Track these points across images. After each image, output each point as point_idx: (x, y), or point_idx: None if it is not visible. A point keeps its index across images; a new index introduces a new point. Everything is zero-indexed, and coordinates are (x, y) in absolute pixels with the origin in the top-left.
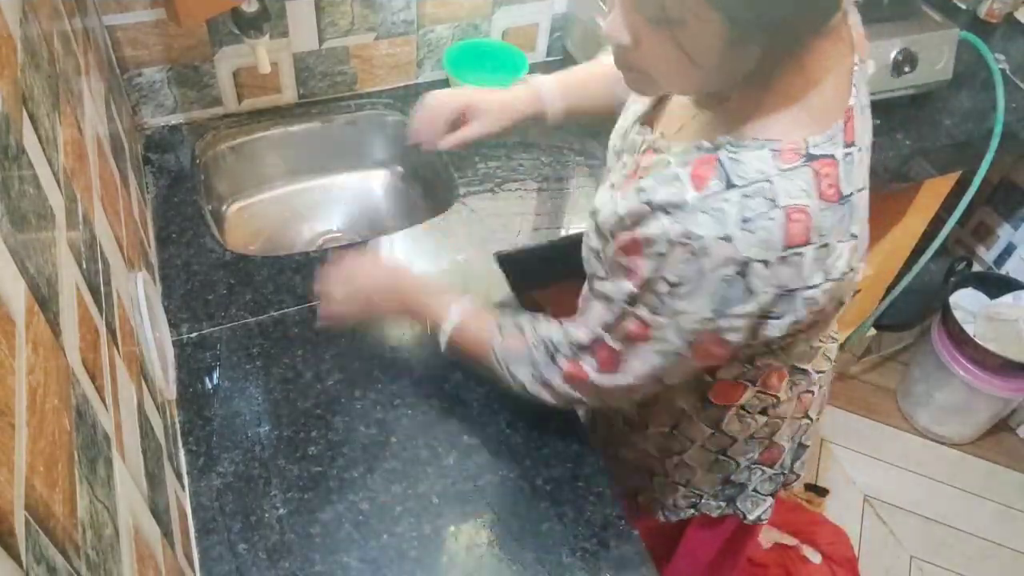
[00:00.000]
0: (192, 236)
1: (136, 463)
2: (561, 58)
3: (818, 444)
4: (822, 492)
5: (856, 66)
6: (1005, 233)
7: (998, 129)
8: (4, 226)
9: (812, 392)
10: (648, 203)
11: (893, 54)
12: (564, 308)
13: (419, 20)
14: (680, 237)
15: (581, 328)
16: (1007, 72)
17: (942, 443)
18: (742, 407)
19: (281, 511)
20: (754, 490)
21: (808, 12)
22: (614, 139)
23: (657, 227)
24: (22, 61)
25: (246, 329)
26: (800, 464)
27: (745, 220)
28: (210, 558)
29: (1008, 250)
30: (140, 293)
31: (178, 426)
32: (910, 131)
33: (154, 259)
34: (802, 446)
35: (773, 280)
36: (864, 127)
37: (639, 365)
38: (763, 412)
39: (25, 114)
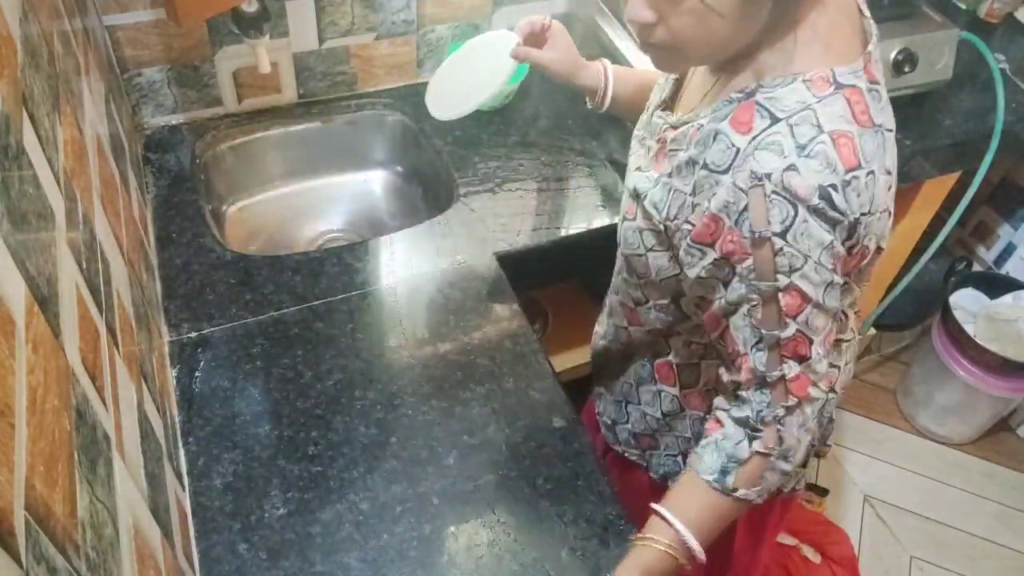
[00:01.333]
0: (192, 236)
1: (136, 463)
2: None
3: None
4: (822, 492)
5: (867, 19)
6: (1005, 233)
7: (998, 129)
8: (4, 226)
9: (836, 367)
10: (703, 165)
11: (893, 54)
12: (563, 308)
13: (419, 20)
14: (749, 182)
15: (745, 364)
16: (1007, 72)
17: (942, 443)
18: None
19: (281, 511)
20: None
21: None
22: (638, 128)
23: (724, 190)
24: (22, 61)
25: (246, 329)
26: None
27: (800, 147)
28: (210, 558)
29: (1008, 250)
30: None
31: (178, 426)
32: (910, 131)
33: (154, 259)
34: (830, 420)
35: (850, 204)
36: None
37: (821, 321)
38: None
39: (25, 114)
